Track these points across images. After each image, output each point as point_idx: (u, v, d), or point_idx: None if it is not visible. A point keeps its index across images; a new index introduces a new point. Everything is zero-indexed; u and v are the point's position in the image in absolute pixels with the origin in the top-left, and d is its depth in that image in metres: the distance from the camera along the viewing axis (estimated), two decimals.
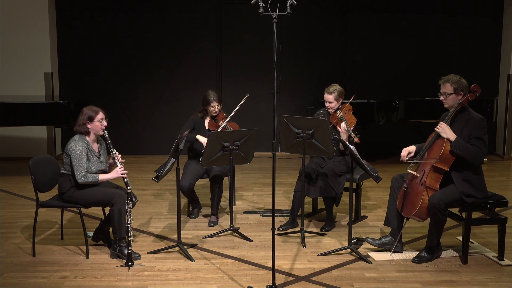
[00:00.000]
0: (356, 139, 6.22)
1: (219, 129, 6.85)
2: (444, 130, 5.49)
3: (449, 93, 5.55)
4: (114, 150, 5.82)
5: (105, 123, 5.79)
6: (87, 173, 5.63)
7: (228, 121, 6.99)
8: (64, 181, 5.75)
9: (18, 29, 10.55)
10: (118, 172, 5.75)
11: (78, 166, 5.60)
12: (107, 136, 5.80)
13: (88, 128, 5.74)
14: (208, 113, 7.06)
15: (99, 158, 5.82)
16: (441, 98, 5.64)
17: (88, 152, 5.70)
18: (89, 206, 5.85)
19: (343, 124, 6.39)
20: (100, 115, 5.77)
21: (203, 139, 6.83)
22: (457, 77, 5.56)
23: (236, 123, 7.10)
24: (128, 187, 5.64)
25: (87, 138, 5.76)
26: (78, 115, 5.80)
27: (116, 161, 5.83)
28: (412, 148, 5.84)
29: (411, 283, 5.20)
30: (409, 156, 5.79)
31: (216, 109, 7.00)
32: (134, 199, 5.72)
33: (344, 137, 6.37)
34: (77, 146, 5.64)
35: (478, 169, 5.57)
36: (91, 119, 5.73)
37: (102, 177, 5.74)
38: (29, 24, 10.55)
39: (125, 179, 5.71)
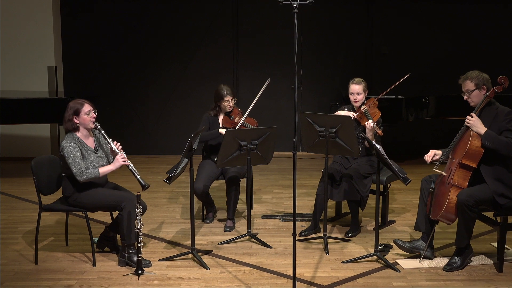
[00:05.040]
0: (379, 132, 6.30)
1: (237, 127, 6.86)
2: (475, 123, 5.51)
3: (471, 90, 5.65)
4: (110, 140, 5.82)
5: (93, 115, 5.77)
6: (86, 169, 5.62)
7: (246, 118, 7.00)
8: (66, 184, 5.79)
9: (20, 20, 10.62)
10: (119, 160, 5.74)
11: (74, 164, 5.58)
12: (99, 127, 5.80)
13: (76, 123, 5.74)
14: (222, 109, 7.06)
15: (96, 153, 5.82)
16: (465, 97, 5.73)
17: (82, 148, 5.69)
18: (95, 210, 5.89)
19: (370, 122, 6.39)
20: (86, 107, 5.74)
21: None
22: (475, 72, 5.67)
23: (254, 119, 7.10)
24: (136, 174, 5.71)
25: (78, 134, 5.75)
26: (65, 112, 5.80)
27: (115, 149, 5.81)
28: (439, 152, 5.86)
29: None
30: (434, 158, 5.81)
31: (231, 104, 7.01)
32: (145, 185, 5.74)
33: (369, 134, 6.37)
34: (67, 145, 5.62)
35: (511, 167, 5.57)
36: (77, 113, 5.72)
37: (103, 169, 5.71)
38: (32, 14, 10.62)
39: (130, 166, 5.74)
